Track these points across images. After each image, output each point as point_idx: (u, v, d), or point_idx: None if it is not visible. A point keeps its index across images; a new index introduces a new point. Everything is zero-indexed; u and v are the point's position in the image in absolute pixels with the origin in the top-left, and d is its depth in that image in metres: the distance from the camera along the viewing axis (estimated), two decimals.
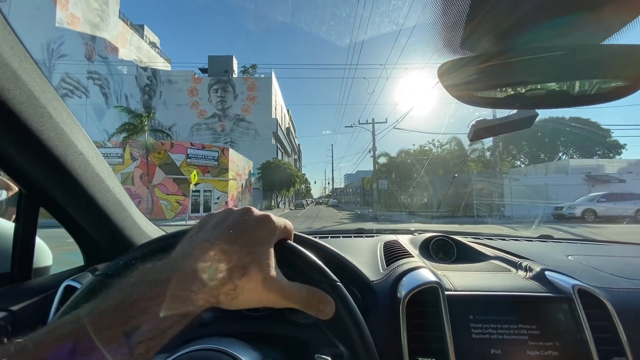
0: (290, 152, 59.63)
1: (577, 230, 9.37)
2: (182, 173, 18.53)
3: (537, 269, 0.73)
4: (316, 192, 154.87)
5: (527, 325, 0.60)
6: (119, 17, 36.73)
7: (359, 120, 22.42)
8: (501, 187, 16.27)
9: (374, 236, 1.27)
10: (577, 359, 0.57)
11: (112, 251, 0.85)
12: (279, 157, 40.34)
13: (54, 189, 0.69)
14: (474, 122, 0.62)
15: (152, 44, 44.66)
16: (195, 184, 17.59)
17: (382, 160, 26.53)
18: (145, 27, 43.71)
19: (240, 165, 24.71)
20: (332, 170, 79.07)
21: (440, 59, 0.42)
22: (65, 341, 0.22)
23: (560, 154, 34.16)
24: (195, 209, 19.72)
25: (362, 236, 1.28)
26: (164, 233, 0.89)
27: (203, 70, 47.44)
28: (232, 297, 0.30)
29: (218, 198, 20.83)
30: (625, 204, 13.37)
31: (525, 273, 0.76)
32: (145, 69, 40.70)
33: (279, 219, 0.38)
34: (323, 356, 0.51)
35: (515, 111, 0.57)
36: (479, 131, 0.62)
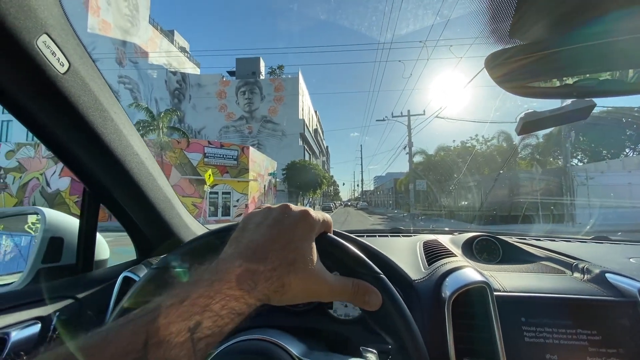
0: (317, 153, 57.93)
1: None
2: (199, 173, 17.15)
3: (596, 271, 0.69)
4: (345, 194, 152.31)
5: (587, 331, 0.57)
6: (149, 23, 37.16)
7: (392, 114, 19.79)
8: (570, 187, 12.82)
9: (411, 235, 1.22)
10: None
11: (161, 246, 0.91)
12: (306, 159, 38.61)
13: (113, 187, 0.75)
14: (522, 115, 0.57)
15: (182, 49, 45.07)
16: (212, 185, 16.06)
17: (417, 158, 23.69)
18: (176, 32, 44.18)
19: (262, 166, 23.07)
20: (362, 171, 76.22)
21: (486, 49, 0.41)
22: (139, 334, 0.23)
23: (627, 150, 28.86)
24: (213, 212, 18.25)
25: (398, 235, 1.24)
26: (207, 230, 0.90)
27: (231, 73, 47.46)
28: (281, 294, 0.31)
29: (237, 200, 19.29)
30: None
31: (582, 275, 0.71)
32: (174, 73, 41.03)
33: (317, 213, 0.38)
34: (369, 349, 0.51)
35: (569, 102, 0.53)
36: (529, 124, 0.58)
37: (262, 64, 45.78)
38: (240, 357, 0.50)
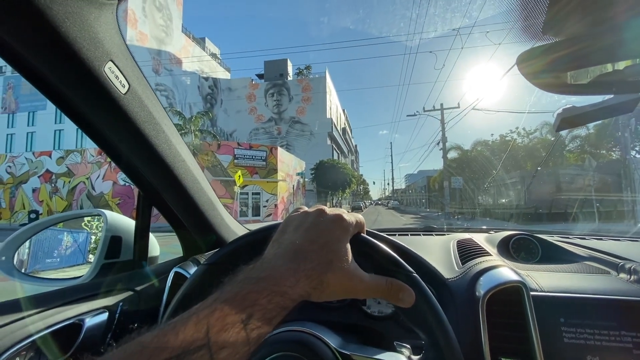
0: (346, 152, 57.69)
1: None
2: (230, 175, 17.68)
3: None
4: (375, 193, 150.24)
5: (632, 333, 0.56)
6: (182, 32, 38.97)
7: (423, 108, 19.17)
8: (631, 181, 11.69)
9: (445, 234, 1.20)
10: None
11: (205, 245, 0.96)
12: (335, 158, 38.57)
13: (164, 190, 0.81)
14: (560, 111, 0.55)
15: (213, 55, 46.82)
16: (242, 186, 16.53)
17: (452, 154, 22.74)
18: (207, 39, 46.00)
19: (290, 166, 23.38)
20: (392, 169, 74.86)
21: (519, 47, 0.40)
22: (202, 324, 0.26)
23: None
24: (243, 213, 18.80)
25: (431, 234, 1.22)
26: (246, 230, 1.02)
27: (260, 76, 48.48)
28: (320, 291, 0.33)
29: (267, 200, 19.65)
30: None
31: (628, 276, 0.69)
32: (206, 78, 42.72)
33: (351, 215, 0.40)
34: (402, 344, 0.52)
35: (611, 95, 0.51)
36: (567, 120, 0.55)
37: (289, 65, 46.42)
38: (284, 346, 0.54)
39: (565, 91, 0.43)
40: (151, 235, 0.99)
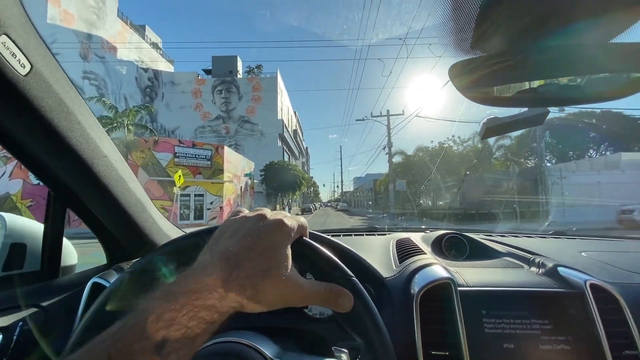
0: (297, 154, 57.75)
1: None
2: (169, 175, 16.41)
3: (550, 264, 0.75)
4: (325, 195, 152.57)
5: (540, 321, 0.62)
6: (118, 16, 35.49)
7: (371, 113, 19.98)
8: (545, 186, 13.54)
9: (386, 234, 1.26)
10: (589, 353, 0.58)
11: (134, 250, 0.88)
12: (286, 160, 38.38)
13: (80, 190, 0.72)
14: (485, 120, 0.62)
15: (154, 45, 43.42)
16: (183, 187, 15.51)
17: (397, 159, 24.13)
18: (147, 27, 42.51)
19: (238, 166, 22.58)
20: (341, 172, 76.29)
21: (451, 59, 0.42)
22: (101, 359, 0.23)
23: (590, 152, 30.90)
24: (184, 216, 17.65)
25: (374, 234, 1.28)
26: (182, 233, 0.94)
27: (207, 72, 46.34)
28: (255, 301, 0.31)
29: (211, 203, 18.63)
30: None
31: (537, 269, 0.77)
32: (146, 69, 39.45)
33: (293, 219, 0.39)
34: (340, 349, 0.53)
35: (525, 108, 0.58)
36: (491, 129, 0.62)
37: (239, 62, 45.02)
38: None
39: (490, 103, 0.46)
40: (67, 242, 0.89)
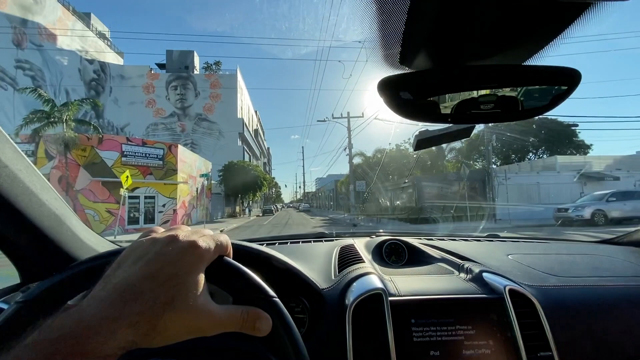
0: (259, 154, 56.46)
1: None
2: (115, 175, 15.04)
3: (476, 270, 0.78)
4: (287, 196, 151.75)
5: (464, 326, 0.63)
6: (58, 2, 32.11)
7: (332, 115, 20.02)
8: (492, 187, 14.40)
9: (333, 240, 1.26)
10: (507, 356, 0.61)
11: (51, 267, 0.80)
12: (247, 160, 37.23)
13: None
14: (416, 133, 0.65)
15: (101, 35, 39.92)
16: (131, 189, 14.26)
17: (357, 160, 24.47)
18: (93, 15, 38.98)
19: (194, 166, 21.37)
20: (304, 173, 76.11)
21: (382, 73, 0.44)
22: None
23: (530, 155, 33.83)
24: (133, 220, 16.29)
25: (321, 240, 1.26)
26: (110, 245, 0.91)
27: (160, 66, 43.55)
28: (152, 337, 0.29)
29: (164, 205, 17.42)
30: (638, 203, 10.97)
31: (466, 275, 0.80)
32: (91, 61, 36.17)
33: (210, 239, 0.36)
34: None
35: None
36: (422, 142, 0.65)
37: (196, 58, 42.99)
38: None
39: (413, 117, 0.47)
40: None
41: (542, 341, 0.62)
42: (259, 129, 63.28)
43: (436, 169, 22.56)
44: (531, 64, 0.41)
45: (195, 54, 43.01)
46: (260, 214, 37.91)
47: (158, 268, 0.31)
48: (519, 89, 0.45)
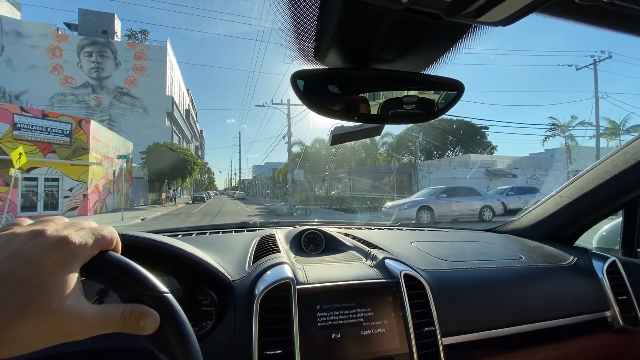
0: (190, 137, 52.52)
1: None
2: (4, 152, 12.49)
3: (380, 257, 0.84)
4: (221, 183, 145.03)
5: (364, 309, 0.70)
6: None
7: (272, 101, 19.42)
8: (417, 179, 15.70)
9: (256, 230, 1.26)
10: (399, 333, 0.69)
11: None
12: (176, 142, 34.31)
13: None
14: (332, 129, 0.68)
15: None
16: (26, 169, 12.01)
17: (295, 149, 24.33)
18: None
19: (111, 146, 18.87)
20: (240, 159, 72.88)
21: (297, 66, 0.46)
22: None
23: (449, 152, 37.86)
24: (30, 206, 13.80)
25: (243, 231, 1.25)
26: None
27: (71, 27, 37.10)
28: (0, 348, 0.25)
29: (70, 190, 15.07)
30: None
31: (371, 262, 0.85)
32: None
33: (89, 233, 0.32)
34: None
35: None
36: (337, 137, 0.68)
37: (117, 22, 37.64)
38: None
39: (322, 112, 0.49)
40: None
41: (429, 318, 0.71)
42: (191, 109, 58.74)
43: (369, 161, 23.81)
44: (430, 73, 0.46)
45: (117, 17, 37.64)
46: (190, 202, 35.44)
47: (12, 268, 0.27)
48: (419, 93, 0.51)
